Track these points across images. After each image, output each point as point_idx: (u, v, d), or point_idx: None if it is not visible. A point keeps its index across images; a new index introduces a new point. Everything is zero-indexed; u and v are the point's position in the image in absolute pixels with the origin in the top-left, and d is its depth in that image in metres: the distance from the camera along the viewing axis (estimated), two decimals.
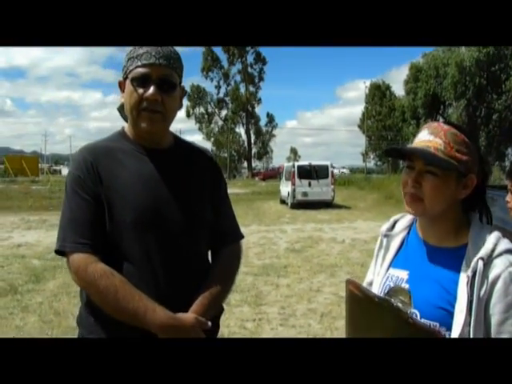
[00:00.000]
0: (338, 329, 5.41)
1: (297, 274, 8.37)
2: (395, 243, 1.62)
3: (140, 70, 1.66)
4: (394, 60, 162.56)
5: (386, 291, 1.52)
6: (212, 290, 1.71)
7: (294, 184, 21.32)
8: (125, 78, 1.72)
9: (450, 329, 1.36)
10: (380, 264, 1.64)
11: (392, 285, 1.53)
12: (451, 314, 1.36)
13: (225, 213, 1.94)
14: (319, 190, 21.67)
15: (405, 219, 1.64)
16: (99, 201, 1.65)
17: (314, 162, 22.74)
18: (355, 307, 1.46)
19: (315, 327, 5.56)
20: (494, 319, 1.32)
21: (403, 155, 1.52)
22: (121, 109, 1.85)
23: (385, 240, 1.66)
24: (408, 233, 1.62)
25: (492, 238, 1.38)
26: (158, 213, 1.69)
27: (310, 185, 21.60)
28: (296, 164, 22.71)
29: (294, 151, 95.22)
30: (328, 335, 5.26)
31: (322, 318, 5.85)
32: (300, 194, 21.42)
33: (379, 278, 1.60)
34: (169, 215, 1.70)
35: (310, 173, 21.80)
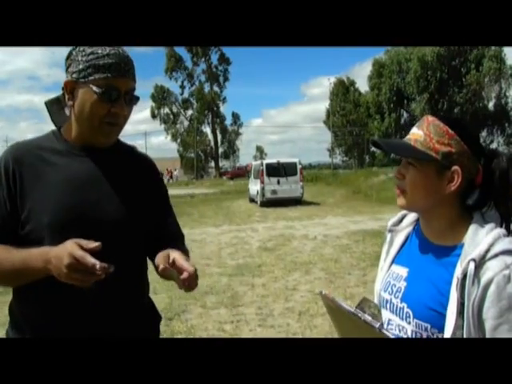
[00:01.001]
0: (316, 327, 5.40)
1: (271, 272, 8.33)
2: (399, 238, 1.60)
3: (110, 82, 1.57)
4: (357, 56, 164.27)
5: (358, 302, 1.45)
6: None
7: (262, 182, 21.31)
8: (76, 80, 1.60)
9: (442, 331, 1.31)
10: (384, 259, 1.62)
11: (392, 281, 1.51)
12: (443, 316, 1.31)
13: (171, 218, 1.90)
14: (288, 187, 21.73)
15: (413, 214, 1.60)
16: (10, 202, 1.58)
17: (283, 160, 22.77)
18: (334, 317, 1.48)
19: (294, 326, 5.53)
20: (488, 324, 1.26)
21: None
22: (50, 104, 1.78)
23: (389, 235, 1.63)
24: (413, 228, 1.58)
25: (488, 239, 1.30)
26: (80, 215, 1.60)
27: (278, 182, 21.64)
28: (264, 162, 22.69)
29: (260, 149, 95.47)
30: (307, 334, 5.23)
31: (300, 317, 5.83)
32: (269, 192, 21.43)
33: (382, 273, 1.59)
34: (93, 218, 1.61)
35: (279, 170, 21.84)
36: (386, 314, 1.50)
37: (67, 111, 1.70)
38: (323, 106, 75.12)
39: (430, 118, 1.42)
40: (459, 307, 1.27)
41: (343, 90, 66.04)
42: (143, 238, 1.73)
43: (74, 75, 1.59)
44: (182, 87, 67.08)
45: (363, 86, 61.61)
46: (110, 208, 1.64)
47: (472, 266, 1.26)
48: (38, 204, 1.58)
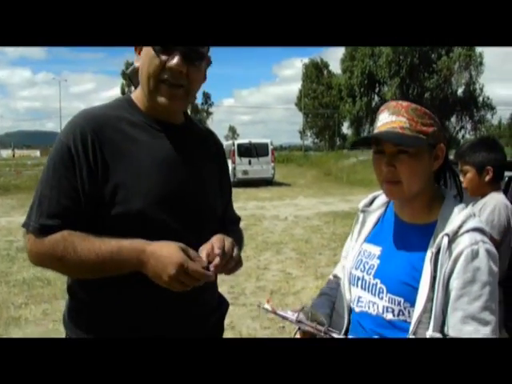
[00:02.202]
0: (288, 305, 5.44)
1: (243, 252, 8.13)
2: (372, 219, 1.63)
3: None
4: None
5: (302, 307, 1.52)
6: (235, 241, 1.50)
7: (234, 162, 21.25)
8: None
9: (413, 305, 1.36)
10: (355, 239, 1.64)
11: (364, 259, 1.54)
12: (416, 290, 1.36)
13: (231, 201, 1.82)
14: (259, 167, 21.74)
15: (383, 196, 1.63)
16: (90, 184, 1.39)
17: (254, 140, 22.73)
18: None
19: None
20: (452, 295, 1.32)
21: (369, 142, 1.48)
22: (132, 75, 1.58)
23: (362, 215, 1.65)
24: (385, 209, 1.62)
25: (461, 216, 1.37)
26: (173, 200, 1.46)
27: (250, 163, 21.63)
28: (236, 142, 22.61)
29: (232, 129, 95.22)
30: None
31: (272, 295, 5.88)
32: (240, 173, 21.41)
33: (353, 252, 1.61)
34: (182, 207, 1.48)
35: (250, 151, 21.82)
36: (356, 291, 1.54)
37: (131, 70, 1.59)
38: (295, 87, 75.10)
39: (404, 104, 1.42)
40: (431, 280, 1.32)
41: (316, 72, 66.03)
42: (216, 226, 1.58)
43: None
44: None
45: (336, 68, 61.82)
46: (198, 193, 1.53)
47: (446, 240, 1.33)
48: (124, 186, 1.40)
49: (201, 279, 1.31)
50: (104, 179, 1.39)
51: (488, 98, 47.55)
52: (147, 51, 1.44)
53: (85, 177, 1.39)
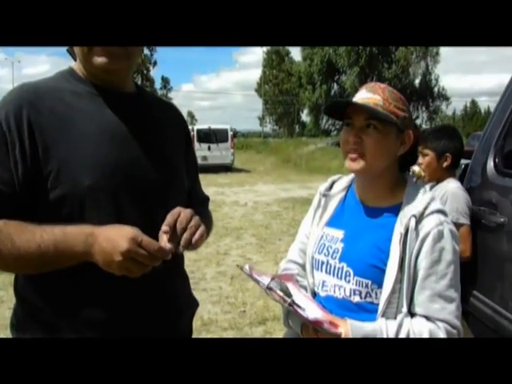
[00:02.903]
0: (248, 289, 5.50)
1: None
2: (333, 203, 1.64)
3: None
4: None
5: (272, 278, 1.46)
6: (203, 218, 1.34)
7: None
8: None
9: (381, 286, 1.40)
10: (317, 223, 1.64)
11: (327, 243, 1.55)
12: (383, 272, 1.40)
13: (197, 177, 1.69)
14: (219, 153, 21.64)
15: (343, 180, 1.66)
16: (25, 163, 1.21)
17: (214, 126, 22.60)
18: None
19: (227, 289, 5.61)
20: (420, 274, 1.38)
21: (341, 115, 1.50)
22: (70, 48, 1.42)
23: (323, 200, 1.66)
24: (346, 194, 1.64)
25: (425, 198, 1.43)
26: (127, 175, 1.31)
27: (209, 149, 21.50)
28: (195, 128, 22.43)
29: (190, 115, 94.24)
30: (240, 296, 5.33)
31: (233, 280, 5.91)
32: (200, 158, 21.17)
33: (314, 236, 1.62)
34: (141, 178, 1.34)
35: (210, 137, 21.67)
36: (320, 276, 1.56)
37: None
38: (255, 73, 74.79)
39: (382, 85, 1.48)
40: (400, 261, 1.37)
41: (278, 59, 65.99)
42: (184, 199, 1.46)
43: None
44: None
45: (296, 55, 61.92)
46: (155, 167, 1.38)
47: (413, 221, 1.38)
48: (70, 161, 1.24)
49: (158, 255, 1.16)
50: (45, 156, 1.23)
51: (443, 89, 48.68)
52: None
53: (18, 156, 1.22)
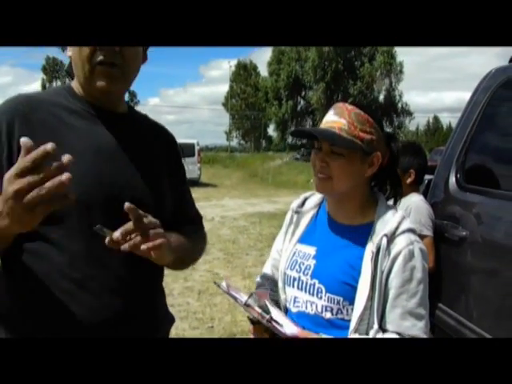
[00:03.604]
0: (216, 305, 5.48)
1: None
2: (305, 220, 1.66)
3: None
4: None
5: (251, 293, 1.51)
6: (183, 240, 1.43)
7: None
8: None
9: (352, 303, 1.42)
10: (289, 239, 1.66)
11: (299, 260, 1.57)
12: (355, 289, 1.42)
13: (189, 198, 1.72)
14: (185, 168, 21.25)
15: (315, 197, 1.68)
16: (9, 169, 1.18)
17: (180, 140, 22.25)
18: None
19: (194, 305, 5.57)
20: (391, 293, 1.40)
21: (312, 138, 1.53)
22: (69, 68, 1.45)
23: (295, 216, 1.68)
24: (318, 210, 1.66)
25: (397, 217, 1.45)
26: (106, 190, 1.36)
27: None
28: None
29: None
30: (207, 312, 5.30)
31: (200, 296, 5.88)
32: None
33: (287, 253, 1.63)
34: (123, 197, 1.33)
35: None
36: (292, 292, 1.57)
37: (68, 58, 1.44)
38: (221, 88, 75.04)
39: (349, 107, 1.47)
40: (372, 279, 1.39)
41: (245, 74, 66.37)
42: (166, 219, 1.45)
43: None
44: None
45: (263, 71, 62.35)
46: (138, 183, 1.43)
47: (385, 240, 1.40)
48: None
49: (37, 158, 0.96)
50: None
51: (406, 105, 49.69)
52: None
53: (4, 162, 1.27)
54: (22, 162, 0.97)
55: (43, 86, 61.74)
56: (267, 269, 1.78)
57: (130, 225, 1.20)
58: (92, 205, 1.33)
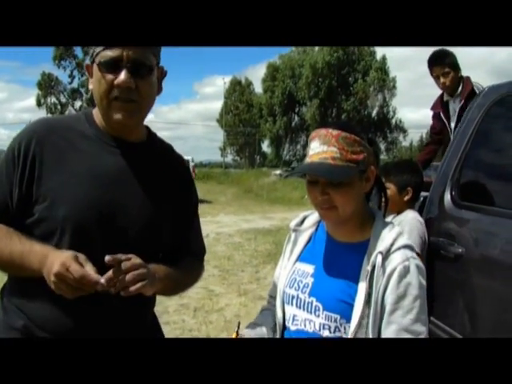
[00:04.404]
0: (212, 322, 5.45)
1: None
2: (303, 238, 1.66)
3: (108, 52, 1.40)
4: (250, 58, 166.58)
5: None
6: (173, 271, 1.52)
7: None
8: (92, 62, 1.45)
9: (349, 321, 1.42)
10: (288, 258, 1.67)
11: (298, 278, 1.57)
12: (351, 307, 1.42)
13: (196, 230, 1.76)
14: None
15: (314, 215, 1.69)
16: (20, 186, 1.42)
17: None
18: None
19: (190, 322, 5.54)
20: (386, 309, 1.40)
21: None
22: (92, 98, 1.57)
23: (293, 235, 1.69)
24: (316, 229, 1.67)
25: (392, 234, 1.46)
26: (101, 213, 1.43)
27: None
28: None
29: None
30: (203, 330, 5.27)
31: (196, 313, 5.84)
32: None
33: (286, 271, 1.64)
34: (117, 223, 1.45)
35: None
36: (290, 310, 1.57)
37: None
38: (215, 104, 75.21)
39: (334, 132, 1.45)
40: (367, 297, 1.39)
41: (240, 90, 66.65)
42: (160, 248, 1.59)
43: (89, 57, 1.47)
44: (72, 76, 64.07)
45: (257, 87, 62.63)
46: (134, 212, 1.49)
47: (380, 258, 1.40)
48: (55, 192, 1.41)
49: (82, 281, 1.27)
50: (37, 183, 1.42)
51: (400, 121, 50.00)
52: (95, 72, 1.44)
53: (17, 181, 1.42)
54: (75, 272, 1.26)
55: (38, 102, 61.76)
56: (272, 288, 1.79)
57: (110, 273, 1.31)
58: (84, 226, 1.42)
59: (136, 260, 1.34)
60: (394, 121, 49.83)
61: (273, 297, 1.76)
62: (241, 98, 66.26)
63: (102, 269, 1.29)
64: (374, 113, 49.16)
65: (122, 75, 1.40)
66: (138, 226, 1.49)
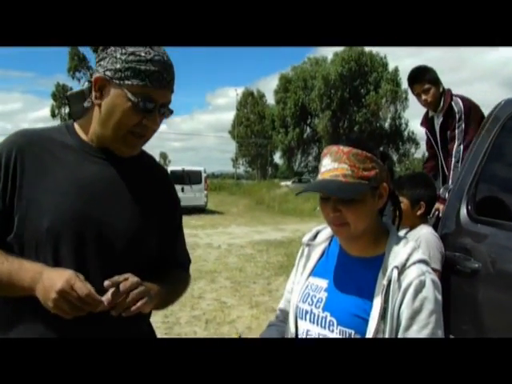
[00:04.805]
0: (223, 334, 5.43)
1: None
2: (316, 253, 1.66)
3: (148, 92, 1.39)
4: (262, 70, 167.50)
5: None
6: (165, 285, 1.49)
7: None
8: (109, 79, 1.40)
9: (364, 336, 1.40)
10: (301, 272, 1.66)
11: (311, 293, 1.56)
12: (366, 322, 1.41)
13: (181, 242, 1.74)
14: (192, 195, 21.59)
15: (327, 230, 1.67)
16: (3, 199, 1.38)
17: (188, 168, 22.64)
18: None
19: (201, 334, 5.52)
20: (402, 324, 1.38)
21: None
22: (73, 97, 1.54)
23: (306, 249, 1.68)
24: (329, 243, 1.66)
25: (407, 249, 1.45)
26: (86, 224, 1.40)
27: (182, 190, 21.44)
28: (169, 169, 22.41)
29: (163, 156, 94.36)
30: None
31: (207, 325, 5.84)
32: None
33: (299, 286, 1.63)
34: (103, 235, 1.42)
35: (183, 178, 21.65)
36: (304, 325, 1.56)
37: (86, 104, 1.49)
38: (227, 116, 75.51)
39: (345, 149, 1.45)
40: (382, 312, 1.38)
41: (253, 101, 66.84)
42: (147, 261, 1.54)
43: (108, 73, 1.40)
44: None
45: (269, 98, 62.80)
46: (119, 222, 1.46)
47: (395, 272, 1.39)
48: (38, 203, 1.38)
49: (86, 299, 1.25)
50: (19, 195, 1.38)
51: (412, 133, 49.76)
52: (120, 99, 1.40)
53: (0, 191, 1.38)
54: (80, 290, 1.24)
55: (52, 113, 62.28)
56: (283, 302, 1.78)
57: (109, 295, 1.30)
58: (63, 235, 1.39)
59: (134, 279, 1.34)
60: (406, 133, 49.62)
61: (283, 311, 1.75)
62: (253, 110, 66.45)
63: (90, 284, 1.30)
64: (387, 125, 49.04)
65: (154, 117, 1.43)
66: (126, 238, 1.47)
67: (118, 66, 1.38)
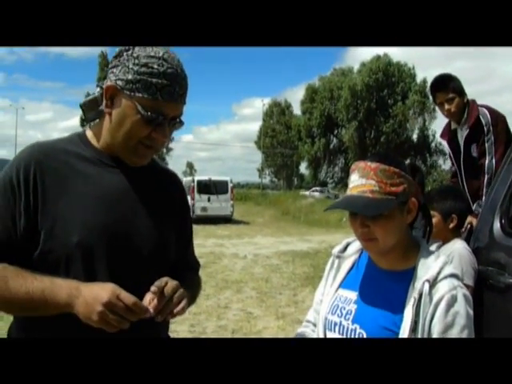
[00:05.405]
0: None
1: (203, 290, 7.95)
2: (346, 265, 1.66)
3: (158, 106, 1.38)
4: (289, 81, 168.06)
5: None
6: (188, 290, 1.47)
7: (193, 199, 21.09)
8: (120, 89, 1.39)
9: None
10: (330, 284, 1.67)
11: (340, 305, 1.57)
12: (396, 334, 1.40)
13: (192, 245, 1.78)
14: (218, 205, 21.71)
15: (357, 242, 1.68)
16: (27, 217, 1.35)
17: (214, 178, 22.77)
18: None
19: None
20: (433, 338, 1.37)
21: None
22: (88, 109, 1.53)
23: (336, 261, 1.69)
24: (359, 255, 1.66)
25: (438, 263, 1.44)
26: (115, 236, 1.41)
27: (209, 200, 21.58)
28: (196, 179, 22.58)
29: (190, 165, 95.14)
30: None
31: (234, 335, 5.83)
32: (199, 209, 21.29)
33: (328, 297, 1.63)
34: (131, 244, 1.44)
35: (210, 188, 21.79)
36: (333, 337, 1.56)
37: (102, 107, 1.47)
38: (253, 126, 75.77)
39: (373, 165, 1.46)
40: (413, 325, 1.38)
41: (279, 112, 67.02)
42: (169, 265, 1.55)
43: (120, 83, 1.39)
44: None
45: (295, 109, 62.95)
46: (144, 230, 1.48)
47: (427, 286, 1.39)
48: (64, 219, 1.36)
49: (134, 308, 1.25)
50: (43, 211, 1.36)
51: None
52: (130, 110, 1.40)
53: (23, 209, 1.35)
54: (127, 300, 1.24)
55: (82, 122, 63.00)
56: (310, 313, 1.79)
57: (155, 301, 1.31)
58: (94, 249, 1.38)
59: (173, 282, 1.35)
60: (433, 144, 49.11)
61: (311, 322, 1.76)
62: (279, 120, 66.58)
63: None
64: (414, 136, 48.64)
65: (164, 130, 1.43)
66: (151, 245, 1.49)
67: (130, 76, 1.37)
